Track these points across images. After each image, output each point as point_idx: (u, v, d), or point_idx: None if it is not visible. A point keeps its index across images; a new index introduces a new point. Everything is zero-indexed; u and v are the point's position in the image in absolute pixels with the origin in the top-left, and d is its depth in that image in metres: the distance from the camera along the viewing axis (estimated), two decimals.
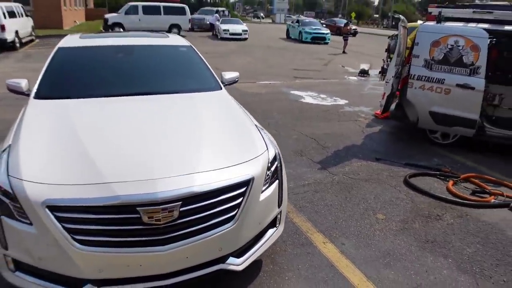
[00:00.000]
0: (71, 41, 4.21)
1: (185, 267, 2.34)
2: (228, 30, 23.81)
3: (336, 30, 31.52)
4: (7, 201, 2.21)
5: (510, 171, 5.13)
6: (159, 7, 23.47)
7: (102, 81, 3.70)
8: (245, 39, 24.02)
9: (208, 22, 28.86)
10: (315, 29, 25.50)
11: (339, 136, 6.37)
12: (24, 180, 2.19)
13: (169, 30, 21.65)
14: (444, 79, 5.58)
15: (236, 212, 2.44)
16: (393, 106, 6.41)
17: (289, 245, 3.27)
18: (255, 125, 3.19)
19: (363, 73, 13.15)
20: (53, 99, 3.28)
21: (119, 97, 3.39)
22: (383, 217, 3.84)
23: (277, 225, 2.88)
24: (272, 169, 2.75)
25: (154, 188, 2.18)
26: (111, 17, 23.15)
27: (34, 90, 3.40)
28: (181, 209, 2.22)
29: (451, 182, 4.60)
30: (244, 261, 2.57)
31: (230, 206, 2.42)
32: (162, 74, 3.99)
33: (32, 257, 2.20)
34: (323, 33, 25.24)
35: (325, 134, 6.37)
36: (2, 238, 2.24)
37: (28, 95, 3.43)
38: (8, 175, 2.25)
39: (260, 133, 3.04)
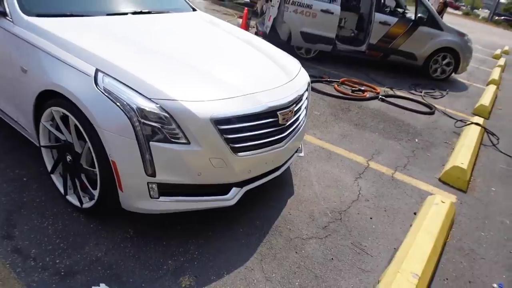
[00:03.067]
0: None
1: (288, 158, 2.92)
2: None
3: None
4: (156, 125, 2.09)
5: (355, 74, 7.14)
6: None
7: None
8: None
9: None
10: None
11: None
12: (182, 101, 2.14)
13: None
14: (312, 5, 6.91)
15: (306, 109, 3.12)
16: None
17: None
18: None
19: None
20: (50, 17, 2.65)
21: (123, 16, 3.07)
22: (318, 113, 5.03)
23: None
24: None
25: (281, 95, 2.58)
26: None
27: (16, 5, 2.57)
28: (294, 109, 2.76)
29: (336, 85, 6.18)
30: (302, 149, 3.33)
31: (306, 105, 3.09)
32: None
33: (190, 175, 2.23)
34: None
35: None
36: (150, 165, 2.13)
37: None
38: (149, 98, 2.11)
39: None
